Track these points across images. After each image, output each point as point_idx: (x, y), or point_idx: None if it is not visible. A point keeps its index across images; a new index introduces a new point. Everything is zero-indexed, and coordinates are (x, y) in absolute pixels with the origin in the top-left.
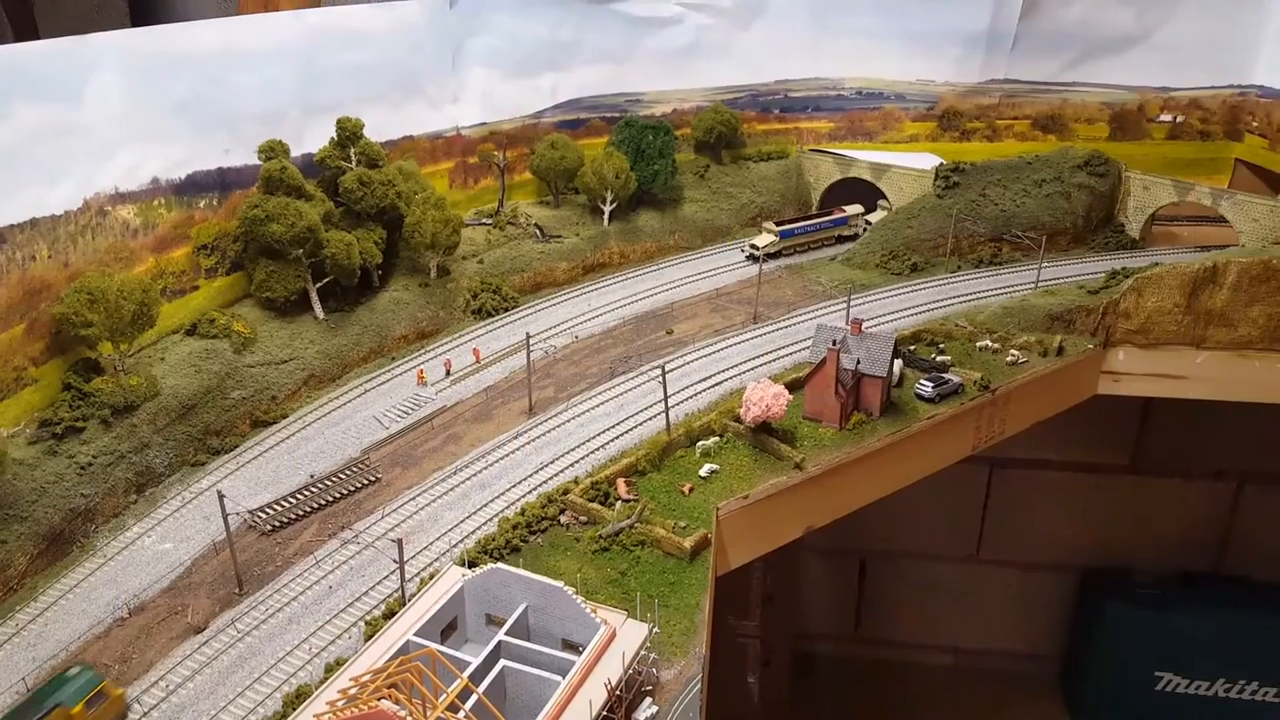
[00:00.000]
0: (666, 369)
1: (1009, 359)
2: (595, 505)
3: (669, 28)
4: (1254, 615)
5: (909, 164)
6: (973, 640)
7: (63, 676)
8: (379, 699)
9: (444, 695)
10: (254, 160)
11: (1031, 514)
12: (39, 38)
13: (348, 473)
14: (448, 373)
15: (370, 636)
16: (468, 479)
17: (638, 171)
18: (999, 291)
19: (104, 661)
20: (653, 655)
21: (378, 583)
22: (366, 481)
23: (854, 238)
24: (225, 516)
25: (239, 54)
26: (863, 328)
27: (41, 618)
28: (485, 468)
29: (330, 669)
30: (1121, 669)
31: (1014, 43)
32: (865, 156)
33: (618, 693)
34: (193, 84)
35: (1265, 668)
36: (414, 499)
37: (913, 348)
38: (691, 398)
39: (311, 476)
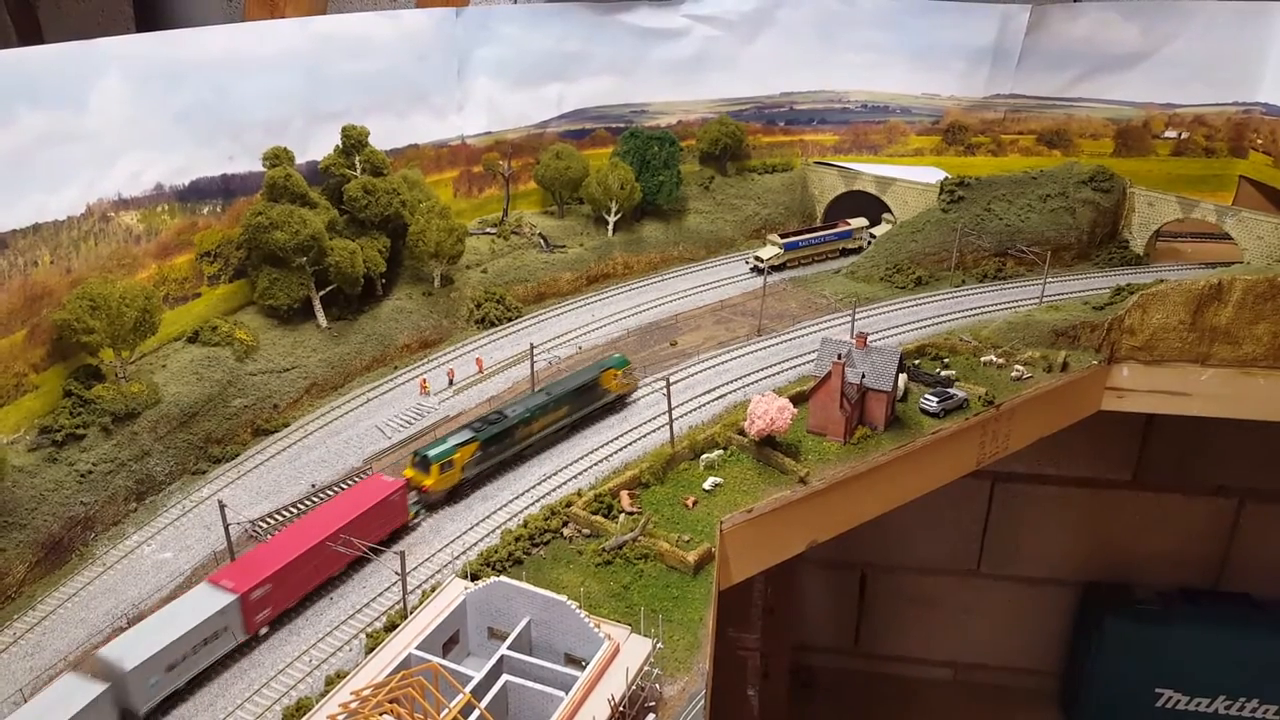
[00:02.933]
0: (670, 381)
1: (1013, 374)
2: (598, 518)
3: (676, 39)
4: (1254, 632)
5: (914, 177)
6: (972, 655)
7: (609, 358)
8: (380, 714)
9: (446, 710)
10: (258, 167)
11: (1033, 529)
12: (43, 42)
13: (349, 483)
14: (451, 382)
15: (371, 649)
16: (470, 490)
17: (643, 182)
18: (1003, 306)
19: None
20: (656, 670)
21: (379, 594)
22: None
23: (858, 251)
24: (226, 526)
25: (244, 61)
26: (867, 342)
27: (40, 626)
28: (488, 479)
29: (331, 682)
30: (1121, 685)
31: (1020, 58)
32: (870, 170)
33: (621, 709)
34: (197, 90)
35: (1265, 685)
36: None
37: (917, 362)
38: (695, 410)
39: (313, 486)
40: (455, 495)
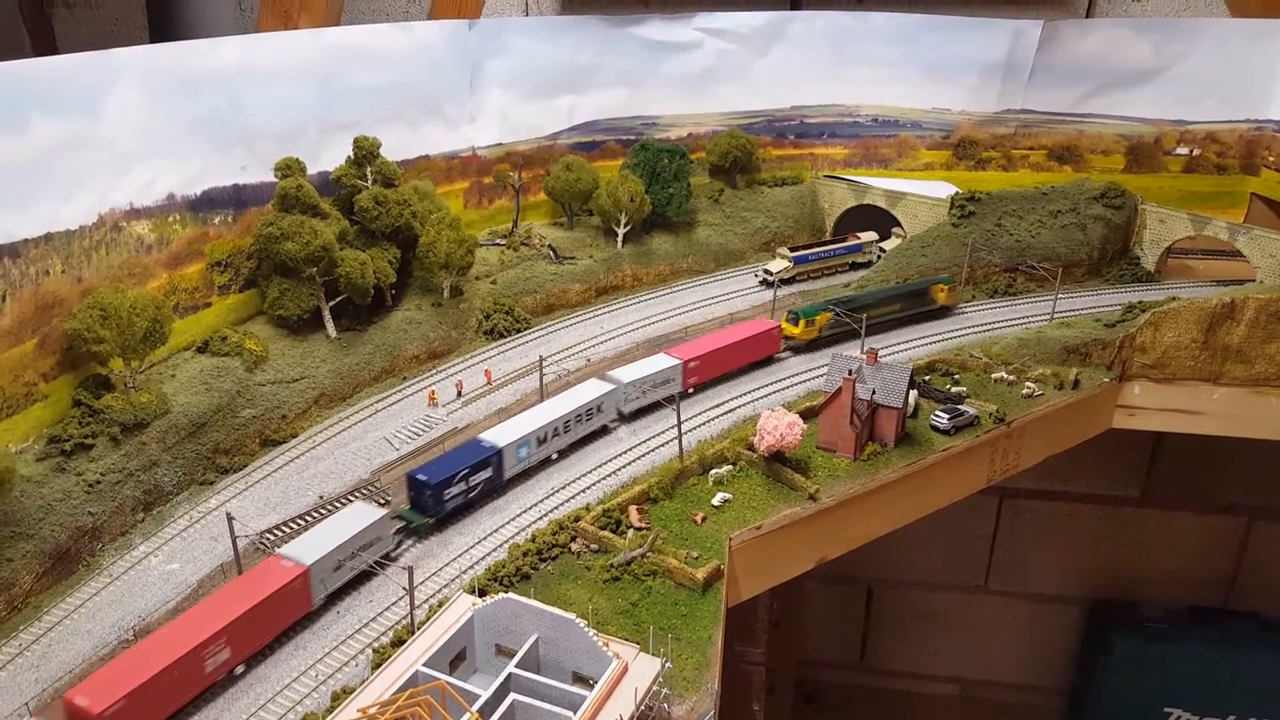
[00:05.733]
0: (679, 394)
1: (1024, 391)
2: (607, 533)
3: (687, 52)
4: (1263, 652)
5: (924, 192)
6: (979, 671)
7: (939, 275)
8: None
9: None
10: (270, 177)
11: (1040, 545)
12: (58, 52)
13: (357, 495)
14: (459, 394)
15: (378, 665)
16: (479, 504)
17: (652, 194)
18: (1014, 322)
19: None
20: (664, 690)
21: (386, 609)
22: (376, 504)
23: (868, 265)
24: (234, 539)
25: (257, 71)
26: (878, 357)
27: (45, 638)
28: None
29: (337, 698)
30: (1129, 703)
31: (1031, 73)
32: (880, 184)
33: None
34: (210, 101)
35: (1274, 704)
36: None
37: (928, 378)
38: (705, 424)
39: (321, 498)
40: (812, 346)
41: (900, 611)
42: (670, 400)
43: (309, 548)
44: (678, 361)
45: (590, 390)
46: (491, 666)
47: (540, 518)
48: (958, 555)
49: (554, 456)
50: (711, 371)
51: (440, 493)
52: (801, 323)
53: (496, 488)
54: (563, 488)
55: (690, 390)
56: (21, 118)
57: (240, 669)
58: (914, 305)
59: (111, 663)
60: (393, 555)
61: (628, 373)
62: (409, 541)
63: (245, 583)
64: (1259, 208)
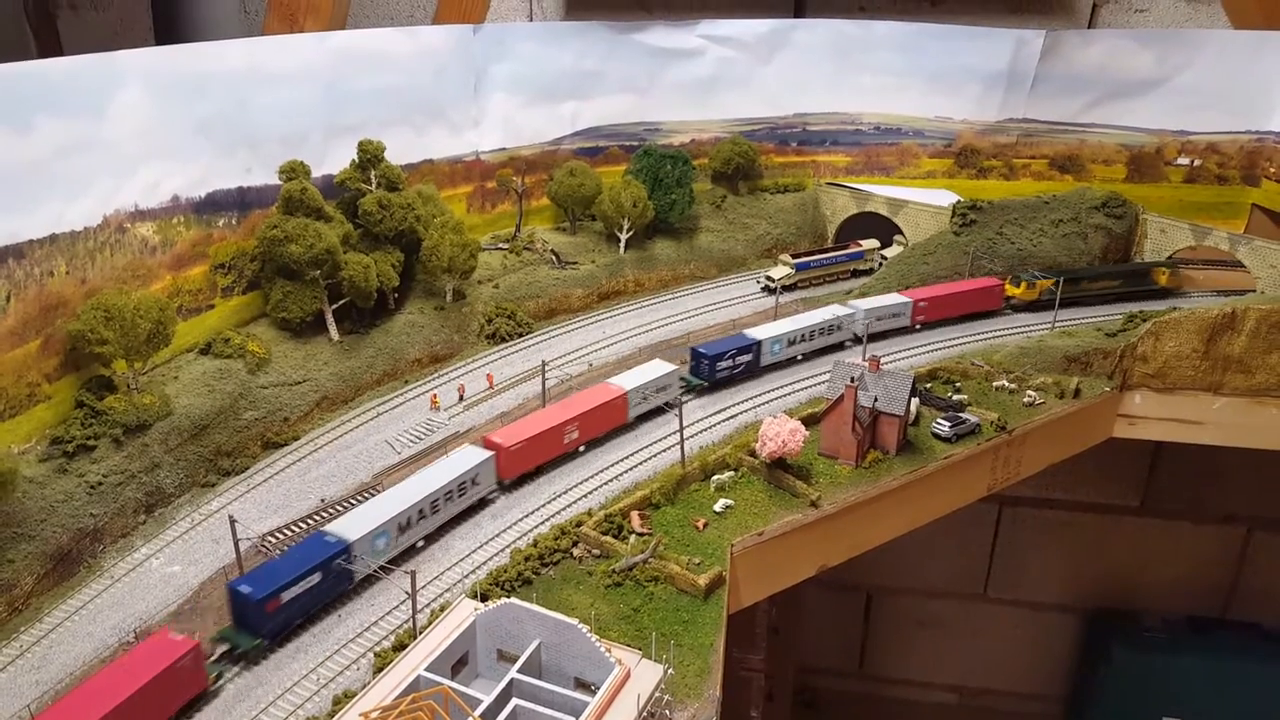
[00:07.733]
0: (681, 400)
1: (1026, 400)
2: (608, 538)
3: (691, 59)
4: (1262, 662)
5: (926, 200)
6: (977, 680)
7: (1162, 259)
8: None
9: None
10: (274, 180)
11: (1040, 553)
12: (63, 54)
13: (359, 498)
14: (461, 398)
15: (380, 669)
16: (480, 508)
17: (655, 200)
18: (1016, 331)
19: None
20: (666, 697)
21: (388, 612)
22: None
23: (869, 272)
24: (236, 542)
25: (262, 74)
26: (880, 365)
27: (46, 640)
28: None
29: (338, 701)
30: (1128, 713)
31: (1033, 82)
32: (882, 191)
33: None
34: (215, 103)
35: (1273, 715)
36: None
37: (929, 386)
38: (706, 430)
39: (322, 501)
40: (1032, 307)
41: (899, 619)
42: (751, 368)
43: (626, 380)
44: (909, 300)
45: (833, 311)
46: (493, 672)
47: (542, 522)
48: (957, 563)
49: (799, 358)
50: (937, 313)
51: (714, 364)
52: (1023, 284)
53: (754, 370)
54: (565, 492)
55: (916, 327)
56: (26, 119)
57: (582, 449)
58: (1135, 284)
59: (513, 423)
60: (675, 401)
61: (865, 302)
62: (689, 396)
63: (588, 393)
64: (1259, 218)
